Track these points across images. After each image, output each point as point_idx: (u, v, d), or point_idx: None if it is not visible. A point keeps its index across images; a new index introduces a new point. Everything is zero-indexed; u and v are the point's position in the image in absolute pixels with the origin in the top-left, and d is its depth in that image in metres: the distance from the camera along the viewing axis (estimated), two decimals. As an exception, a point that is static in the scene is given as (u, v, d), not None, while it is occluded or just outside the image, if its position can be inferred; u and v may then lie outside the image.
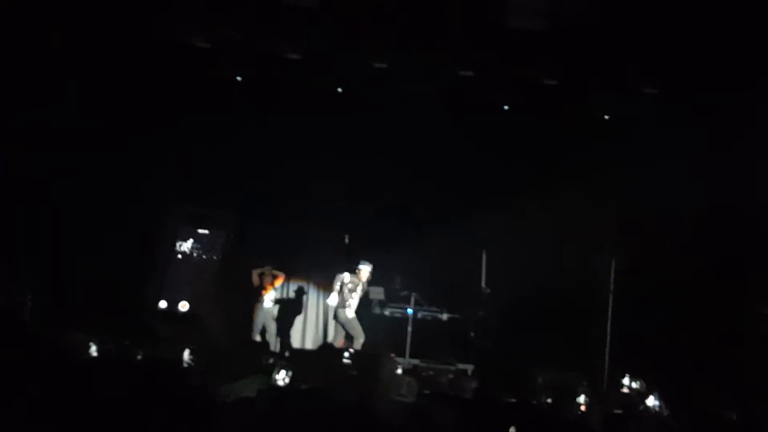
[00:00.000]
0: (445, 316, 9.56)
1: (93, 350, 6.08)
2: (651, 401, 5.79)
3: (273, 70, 9.33)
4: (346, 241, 9.70)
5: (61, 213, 8.64)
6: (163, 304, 9.15)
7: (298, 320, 10.06)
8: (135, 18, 8.57)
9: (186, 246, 9.38)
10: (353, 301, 8.94)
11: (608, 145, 9.12)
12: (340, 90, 9.78)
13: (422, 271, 9.65)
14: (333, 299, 8.96)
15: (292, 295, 10.08)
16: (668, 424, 4.52)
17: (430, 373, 7.31)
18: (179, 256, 9.39)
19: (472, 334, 9.08)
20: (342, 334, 8.98)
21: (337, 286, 8.90)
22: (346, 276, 8.95)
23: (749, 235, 8.85)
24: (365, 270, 9.05)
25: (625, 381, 7.08)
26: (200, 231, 9.47)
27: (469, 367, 8.48)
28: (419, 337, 9.20)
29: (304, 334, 10.07)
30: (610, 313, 8.94)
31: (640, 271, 8.95)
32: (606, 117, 9.84)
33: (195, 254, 9.43)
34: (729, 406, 4.83)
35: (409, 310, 9.32)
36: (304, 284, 10.14)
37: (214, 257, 9.44)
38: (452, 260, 9.54)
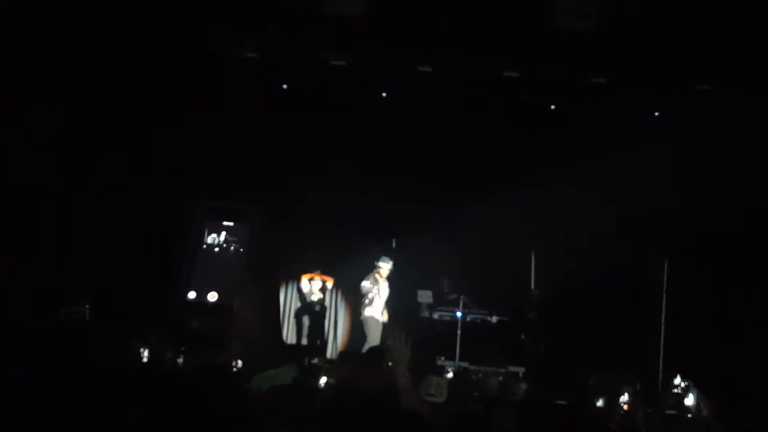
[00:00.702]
0: (494, 319, 9.52)
1: (145, 355, 6.30)
2: (689, 400, 5.68)
3: (319, 77, 9.47)
4: (393, 245, 9.73)
5: (100, 217, 8.77)
6: (192, 295, 9.18)
7: (334, 323, 10.20)
8: (184, 29, 8.80)
9: (213, 238, 9.38)
10: (377, 300, 8.98)
11: (661, 143, 8.96)
12: (384, 95, 9.87)
13: (471, 273, 9.62)
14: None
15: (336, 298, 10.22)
16: (708, 424, 4.43)
17: (480, 376, 7.29)
18: (206, 248, 9.37)
19: (522, 337, 9.01)
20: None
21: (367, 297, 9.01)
22: (364, 284, 9.03)
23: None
24: (385, 267, 9.04)
25: (676, 381, 6.95)
26: (225, 223, 9.43)
27: (520, 370, 8.41)
28: (469, 341, 9.17)
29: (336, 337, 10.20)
30: (663, 313, 8.77)
31: (694, 270, 8.76)
32: (656, 114, 9.72)
33: (222, 246, 9.38)
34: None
35: (458, 313, 9.30)
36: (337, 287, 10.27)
37: (241, 249, 9.38)
38: (501, 262, 9.49)
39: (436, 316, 9.63)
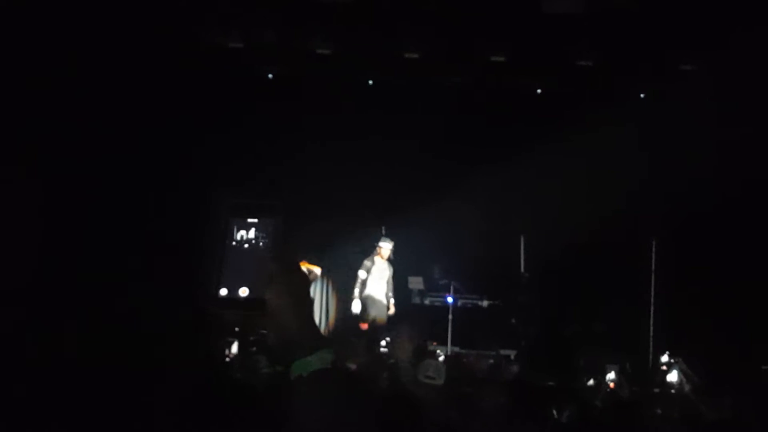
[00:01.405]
0: (485, 303, 9.57)
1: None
2: (672, 377, 5.77)
3: (305, 65, 9.45)
4: (383, 231, 9.74)
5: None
6: (223, 291, 9.27)
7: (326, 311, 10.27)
8: (170, 22, 8.74)
9: (239, 235, 9.51)
10: (374, 281, 9.03)
11: (649, 124, 9.01)
12: (371, 82, 9.86)
13: (461, 259, 9.66)
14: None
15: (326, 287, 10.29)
16: (690, 399, 4.49)
17: (471, 359, 7.34)
18: (235, 244, 9.49)
19: (513, 320, 9.06)
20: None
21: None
22: (361, 273, 9.05)
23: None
24: (386, 247, 9.07)
25: (663, 359, 7.02)
26: (250, 220, 9.58)
27: (512, 353, 8.48)
28: (460, 326, 9.22)
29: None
30: (652, 293, 8.85)
31: (682, 250, 8.83)
32: (642, 95, 9.76)
33: (249, 242, 9.53)
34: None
35: (449, 299, 9.34)
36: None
37: (267, 243, 9.48)
38: (491, 247, 9.53)
39: (427, 302, 9.66)
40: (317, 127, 9.55)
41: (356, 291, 9.02)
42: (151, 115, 8.72)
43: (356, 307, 9.00)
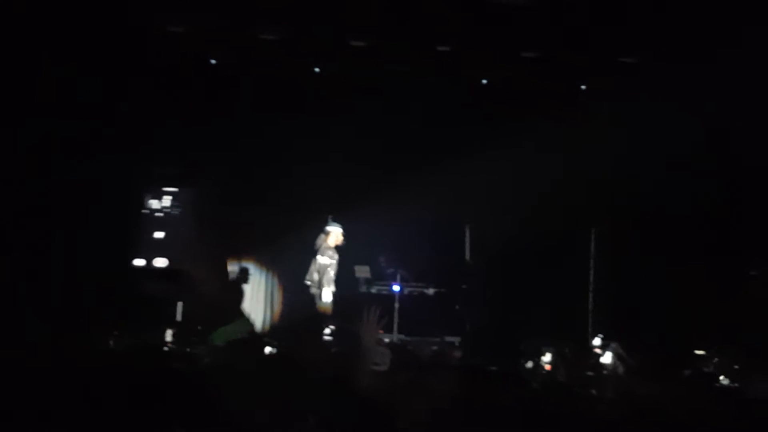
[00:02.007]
0: (431, 291, 9.64)
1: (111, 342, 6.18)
2: (606, 358, 5.95)
3: (249, 52, 9.33)
4: (329, 222, 9.72)
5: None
6: (140, 262, 9.11)
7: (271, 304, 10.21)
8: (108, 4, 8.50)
9: (157, 204, 9.29)
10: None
11: (586, 114, 9.18)
12: (317, 70, 9.80)
13: (407, 248, 9.70)
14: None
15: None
16: (623, 381, 4.64)
17: (416, 346, 7.40)
18: (150, 213, 9.28)
19: (457, 307, 9.16)
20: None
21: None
22: (322, 260, 8.75)
23: (735, 198, 9.01)
24: (336, 231, 8.78)
25: (596, 342, 7.23)
26: (168, 189, 9.41)
27: (456, 340, 8.58)
28: (407, 314, 9.28)
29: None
30: (591, 280, 9.08)
31: (621, 238, 9.08)
32: (583, 87, 9.95)
33: (167, 212, 9.33)
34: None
35: (395, 287, 9.38)
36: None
37: (187, 213, 9.36)
38: (436, 236, 9.61)
39: (374, 290, 9.68)
40: (261, 116, 9.45)
41: (325, 279, 8.61)
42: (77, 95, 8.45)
43: (328, 296, 8.61)
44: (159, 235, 9.32)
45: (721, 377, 6.06)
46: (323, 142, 9.52)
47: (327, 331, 7.17)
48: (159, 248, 9.26)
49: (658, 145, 9.06)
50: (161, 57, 9.08)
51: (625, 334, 7.52)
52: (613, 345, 6.45)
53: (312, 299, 8.83)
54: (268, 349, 6.82)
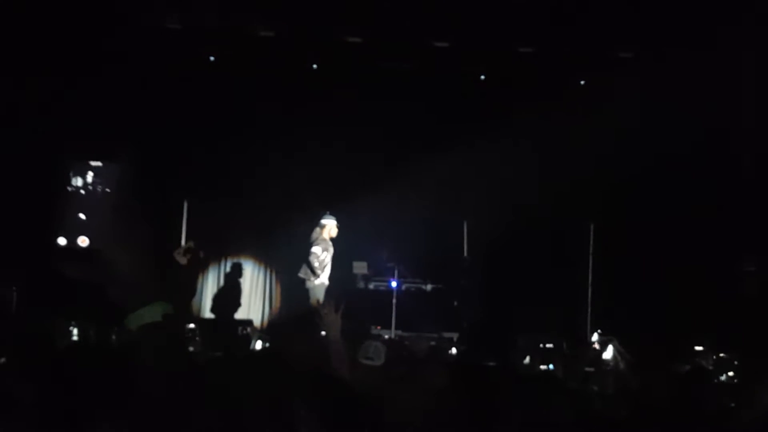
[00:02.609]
0: (428, 287, 9.64)
1: (74, 334, 6.17)
2: (607, 354, 5.96)
3: (246, 48, 9.33)
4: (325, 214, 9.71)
5: None
6: (62, 241, 8.89)
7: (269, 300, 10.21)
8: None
9: (81, 181, 9.02)
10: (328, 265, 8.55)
11: (584, 110, 9.17)
12: (315, 66, 9.80)
13: (405, 243, 9.69)
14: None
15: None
16: (624, 375, 4.64)
17: (412, 341, 7.40)
18: (74, 190, 9.04)
19: (455, 303, 9.16)
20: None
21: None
22: (317, 250, 8.47)
23: (731, 195, 9.01)
24: (330, 223, 8.57)
25: (594, 338, 7.23)
26: (93, 163, 9.14)
27: (454, 335, 8.58)
28: (404, 309, 9.28)
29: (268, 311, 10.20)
30: (590, 276, 9.08)
31: (619, 234, 9.09)
32: (582, 82, 9.95)
33: (91, 188, 9.06)
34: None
35: (393, 283, 9.38)
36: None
37: (111, 190, 9.12)
38: (434, 232, 9.61)
39: (371, 286, 9.68)
40: (258, 112, 9.44)
41: (317, 268, 8.34)
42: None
43: (319, 286, 8.39)
44: (81, 212, 8.97)
45: (722, 376, 6.08)
46: (320, 137, 9.51)
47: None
48: (81, 227, 8.90)
49: (656, 141, 9.06)
50: (160, 54, 9.07)
51: (623, 330, 7.54)
52: (614, 341, 6.46)
53: (305, 293, 8.77)
54: (259, 343, 6.84)
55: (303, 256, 8.76)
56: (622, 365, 5.62)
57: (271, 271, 10.20)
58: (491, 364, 5.73)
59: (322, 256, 8.40)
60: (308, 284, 8.45)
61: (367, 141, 9.63)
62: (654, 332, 7.38)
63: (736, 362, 6.05)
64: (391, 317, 9.12)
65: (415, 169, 9.49)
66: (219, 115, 9.47)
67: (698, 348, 7.37)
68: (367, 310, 9.19)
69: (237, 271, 9.99)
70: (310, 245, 8.45)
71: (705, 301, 8.35)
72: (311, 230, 8.73)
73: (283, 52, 9.48)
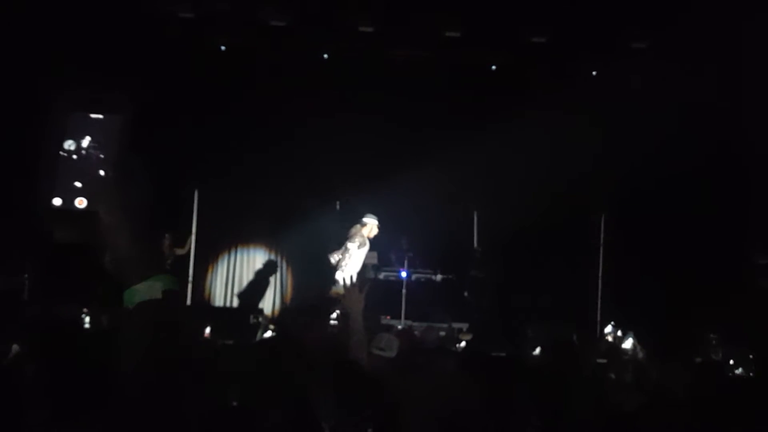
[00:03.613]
0: (438, 278, 9.64)
1: (86, 321, 6.21)
2: (627, 344, 5.96)
3: (258, 38, 9.32)
4: (338, 207, 9.74)
5: None
6: (57, 201, 8.58)
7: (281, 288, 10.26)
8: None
9: (78, 137, 8.67)
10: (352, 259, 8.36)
11: (597, 100, 9.13)
12: (326, 56, 9.78)
13: (416, 233, 9.69)
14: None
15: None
16: (643, 366, 4.63)
17: (422, 331, 7.39)
18: (71, 147, 8.71)
19: (465, 294, 9.16)
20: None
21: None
22: (351, 246, 8.35)
23: (746, 186, 8.96)
24: (372, 223, 8.43)
25: (608, 329, 7.22)
26: (93, 116, 8.78)
27: (464, 326, 8.58)
28: (414, 299, 9.29)
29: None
30: (600, 265, 9.07)
31: (631, 225, 9.06)
32: (594, 73, 9.89)
33: (89, 145, 8.69)
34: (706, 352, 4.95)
35: (403, 273, 9.39)
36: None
37: (111, 146, 8.75)
38: (445, 222, 9.60)
39: (381, 276, 9.69)
40: (269, 101, 9.44)
41: (346, 262, 8.18)
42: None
43: (342, 279, 8.03)
44: (78, 173, 8.63)
45: (737, 369, 6.06)
46: (332, 127, 9.49)
47: (333, 315, 7.16)
48: (78, 187, 8.55)
49: (668, 131, 8.99)
50: (172, 42, 9.08)
51: (636, 321, 7.51)
52: (630, 332, 6.46)
53: (319, 281, 8.76)
54: (269, 333, 6.86)
55: (316, 245, 8.79)
56: (641, 355, 5.62)
57: (283, 260, 10.22)
58: (501, 354, 5.74)
59: (355, 253, 8.29)
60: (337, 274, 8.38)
61: (378, 131, 9.62)
62: (665, 324, 7.36)
63: (750, 356, 6.02)
64: (401, 307, 9.14)
65: (426, 160, 9.47)
66: (229, 104, 9.47)
67: (710, 340, 7.35)
68: (377, 300, 9.19)
69: (248, 260, 10.03)
70: (347, 239, 8.36)
71: (717, 293, 8.32)
72: (325, 219, 8.75)
73: (294, 42, 9.47)
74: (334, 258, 8.35)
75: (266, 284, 10.07)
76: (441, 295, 9.43)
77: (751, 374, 5.94)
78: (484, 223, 9.76)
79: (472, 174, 9.47)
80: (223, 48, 9.65)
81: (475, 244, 9.69)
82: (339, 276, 8.16)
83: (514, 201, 9.14)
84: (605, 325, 7.81)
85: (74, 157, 8.75)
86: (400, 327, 8.25)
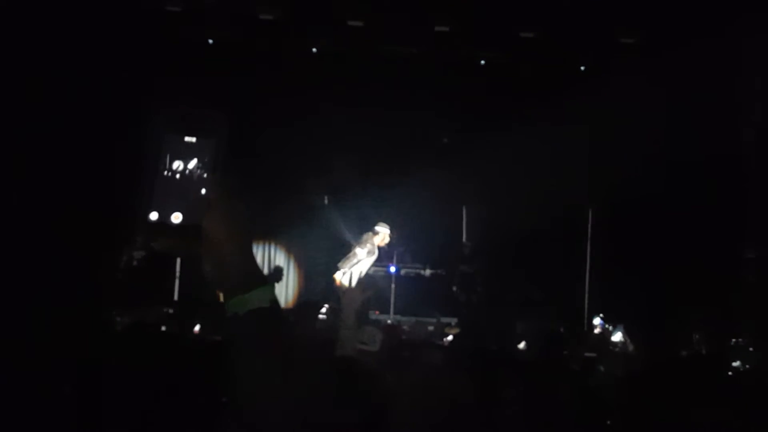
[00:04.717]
0: (428, 273, 9.65)
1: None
2: (616, 337, 5.98)
3: (246, 31, 9.27)
4: (326, 201, 9.72)
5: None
6: (154, 216, 8.87)
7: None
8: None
9: (175, 155, 9.07)
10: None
11: (584, 96, 9.14)
12: (315, 50, 9.74)
13: (405, 228, 9.69)
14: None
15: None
16: (632, 358, 4.65)
17: (411, 326, 7.41)
18: (169, 166, 9.07)
19: (454, 289, 9.17)
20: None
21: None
22: (359, 252, 8.27)
23: (732, 180, 8.99)
24: (384, 232, 8.43)
25: (596, 322, 7.25)
26: (187, 139, 9.15)
27: (453, 321, 8.60)
28: (403, 294, 9.30)
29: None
30: (588, 260, 9.10)
31: (618, 219, 9.09)
32: (582, 68, 9.91)
33: (185, 163, 9.07)
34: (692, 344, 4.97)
35: (392, 268, 9.39)
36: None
37: (206, 166, 9.08)
38: (434, 217, 9.61)
39: (371, 271, 9.66)
40: (257, 95, 9.40)
41: (352, 265, 8.13)
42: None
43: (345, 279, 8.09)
44: (175, 189, 8.97)
45: (728, 363, 6.09)
46: (319, 123, 9.47)
47: (323, 310, 7.15)
48: (175, 203, 8.84)
49: (657, 126, 9.03)
50: (160, 36, 9.02)
51: (625, 315, 7.54)
52: (620, 326, 6.49)
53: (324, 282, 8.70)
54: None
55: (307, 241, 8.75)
56: (630, 348, 5.65)
57: (290, 258, 10.18)
58: (490, 348, 5.74)
59: (363, 259, 8.24)
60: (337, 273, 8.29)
61: (367, 126, 9.60)
62: (654, 318, 7.40)
63: (747, 348, 6.06)
64: (390, 302, 9.14)
65: (415, 154, 9.47)
66: (214, 99, 9.41)
67: (698, 333, 7.39)
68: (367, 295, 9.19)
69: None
70: (357, 245, 8.33)
71: (705, 287, 8.36)
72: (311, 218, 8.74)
73: (283, 35, 9.42)
74: (343, 264, 8.32)
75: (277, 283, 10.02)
76: (430, 290, 9.44)
77: (743, 367, 5.98)
78: (473, 217, 9.76)
79: (461, 168, 9.47)
80: (210, 42, 9.59)
81: (464, 239, 9.70)
82: (338, 275, 8.13)
83: (502, 196, 9.15)
84: (593, 319, 7.85)
85: (177, 177, 9.11)
86: (389, 322, 8.26)
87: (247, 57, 9.53)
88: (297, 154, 9.61)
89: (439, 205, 9.62)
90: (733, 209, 8.84)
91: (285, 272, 10.13)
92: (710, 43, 8.38)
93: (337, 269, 8.23)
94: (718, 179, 8.90)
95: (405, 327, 7.04)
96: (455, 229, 9.78)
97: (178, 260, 8.60)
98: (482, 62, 10.04)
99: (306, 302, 7.52)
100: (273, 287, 2.73)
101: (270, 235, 10.08)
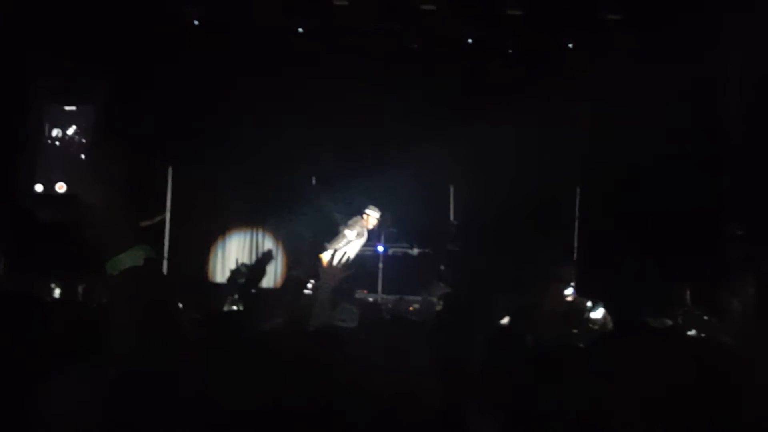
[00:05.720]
0: (415, 251, 9.66)
1: (56, 293, 6.17)
2: (597, 314, 5.98)
3: (231, 10, 9.21)
4: (313, 182, 9.71)
5: None
6: (39, 187, 8.85)
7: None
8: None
9: (56, 124, 8.94)
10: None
11: (572, 73, 9.10)
12: (300, 30, 9.69)
13: (392, 208, 9.69)
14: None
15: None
16: (612, 335, 4.65)
17: (392, 304, 7.43)
18: (51, 135, 8.95)
19: (441, 267, 9.18)
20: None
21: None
22: (348, 233, 8.51)
23: (718, 157, 8.97)
24: (374, 215, 8.58)
25: (568, 291, 7.26)
26: (67, 108, 9.04)
27: (437, 298, 8.61)
28: (391, 273, 9.32)
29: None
30: (576, 238, 9.11)
31: (605, 196, 9.08)
32: (570, 45, 9.86)
33: (67, 133, 8.95)
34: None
35: (380, 248, 9.40)
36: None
37: (87, 134, 8.98)
38: (421, 196, 9.61)
39: (359, 251, 9.68)
40: (243, 75, 9.35)
41: (340, 245, 8.34)
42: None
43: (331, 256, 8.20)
44: (58, 159, 8.90)
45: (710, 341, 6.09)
46: (306, 102, 9.43)
47: (309, 286, 7.14)
48: (59, 173, 8.78)
49: (645, 105, 8.98)
50: (142, 15, 8.95)
51: (607, 292, 7.55)
52: (600, 303, 6.49)
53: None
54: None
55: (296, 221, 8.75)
56: (610, 325, 5.66)
57: (275, 240, 10.18)
58: (474, 327, 5.75)
59: (351, 240, 8.34)
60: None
61: (354, 105, 9.55)
62: (637, 295, 7.41)
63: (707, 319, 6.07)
64: (378, 282, 9.17)
65: (402, 134, 9.45)
66: (201, 79, 9.37)
67: (682, 310, 7.40)
68: (355, 274, 9.18)
69: (224, 237, 10.00)
70: (346, 227, 8.36)
71: (690, 265, 8.36)
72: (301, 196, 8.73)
73: (268, 15, 9.36)
74: (332, 245, 8.36)
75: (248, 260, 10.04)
76: (417, 268, 9.46)
77: (722, 345, 5.98)
78: (461, 196, 9.76)
79: (447, 147, 9.45)
80: (196, 22, 9.53)
81: (451, 218, 9.70)
82: (325, 254, 8.12)
83: (489, 174, 9.14)
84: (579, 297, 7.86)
85: (57, 144, 8.96)
86: (370, 300, 8.27)
87: (234, 37, 9.46)
88: (283, 135, 9.58)
89: (426, 183, 9.61)
90: (719, 186, 8.83)
91: (274, 253, 10.13)
92: (695, 17, 8.34)
93: (325, 249, 8.30)
94: (704, 156, 8.89)
95: (389, 305, 7.05)
96: (442, 208, 9.77)
97: (66, 230, 8.43)
98: (469, 41, 9.99)
99: (289, 277, 7.53)
100: (148, 247, 2.69)
101: (258, 215, 10.09)
